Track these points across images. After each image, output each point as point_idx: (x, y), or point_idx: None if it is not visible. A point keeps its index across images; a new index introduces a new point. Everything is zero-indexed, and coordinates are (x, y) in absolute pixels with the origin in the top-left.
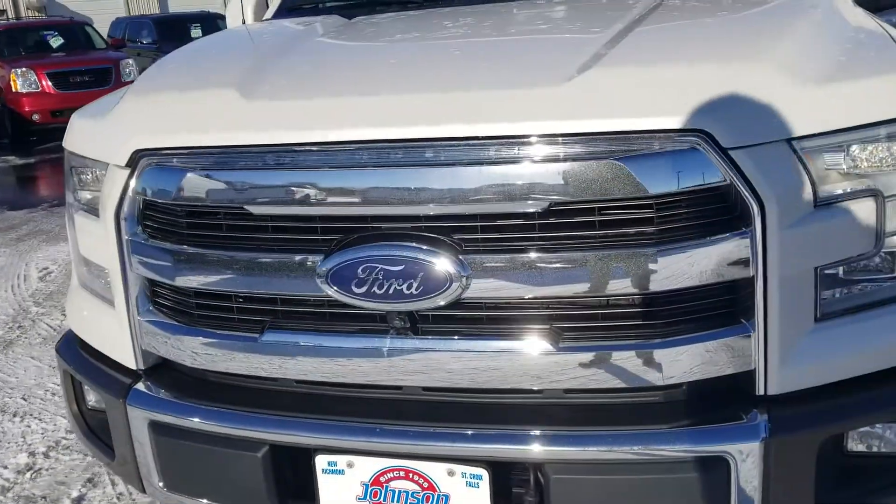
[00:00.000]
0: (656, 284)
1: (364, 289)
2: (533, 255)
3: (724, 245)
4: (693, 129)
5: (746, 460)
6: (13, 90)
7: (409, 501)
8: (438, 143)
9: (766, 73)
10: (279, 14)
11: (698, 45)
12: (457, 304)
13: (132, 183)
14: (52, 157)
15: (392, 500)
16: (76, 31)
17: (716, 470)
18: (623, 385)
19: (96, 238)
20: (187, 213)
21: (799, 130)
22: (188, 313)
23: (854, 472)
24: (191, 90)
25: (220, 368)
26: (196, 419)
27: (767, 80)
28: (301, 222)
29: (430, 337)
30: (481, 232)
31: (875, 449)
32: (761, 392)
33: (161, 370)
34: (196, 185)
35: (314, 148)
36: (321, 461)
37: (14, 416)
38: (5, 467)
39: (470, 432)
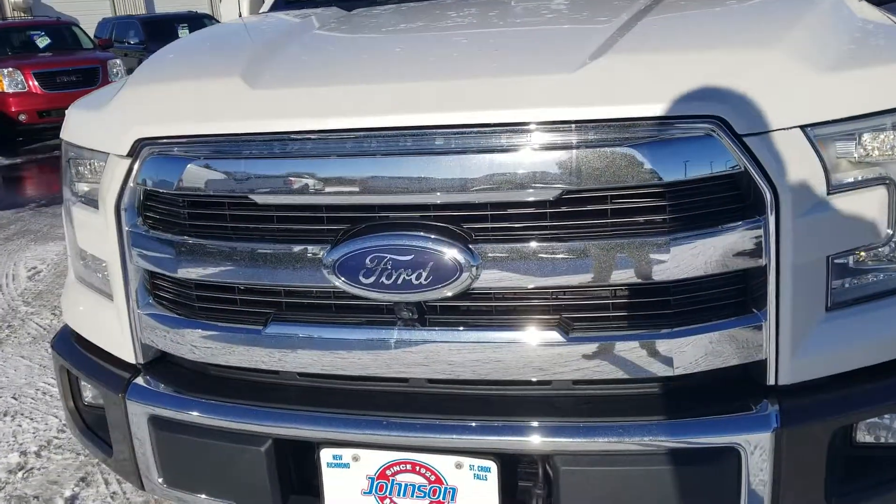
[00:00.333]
0: (668, 274)
1: (372, 279)
2: (544, 244)
3: (736, 234)
4: (708, 116)
5: (757, 451)
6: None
7: (415, 495)
8: (448, 130)
9: (779, 60)
10: (276, 7)
11: (709, 32)
12: (466, 294)
13: (133, 173)
14: (40, 158)
15: (398, 494)
16: (63, 31)
17: (726, 461)
18: (633, 376)
19: (95, 230)
20: (189, 204)
21: (812, 117)
22: (189, 306)
23: (862, 463)
24: (193, 79)
25: (221, 362)
26: (197, 413)
27: (780, 67)
28: (307, 212)
29: (438, 328)
30: (491, 221)
31: (883, 440)
32: (772, 382)
33: (160, 364)
34: (199, 174)
35: (321, 136)
36: (326, 455)
37: (5, 415)
38: None
39: (477, 424)
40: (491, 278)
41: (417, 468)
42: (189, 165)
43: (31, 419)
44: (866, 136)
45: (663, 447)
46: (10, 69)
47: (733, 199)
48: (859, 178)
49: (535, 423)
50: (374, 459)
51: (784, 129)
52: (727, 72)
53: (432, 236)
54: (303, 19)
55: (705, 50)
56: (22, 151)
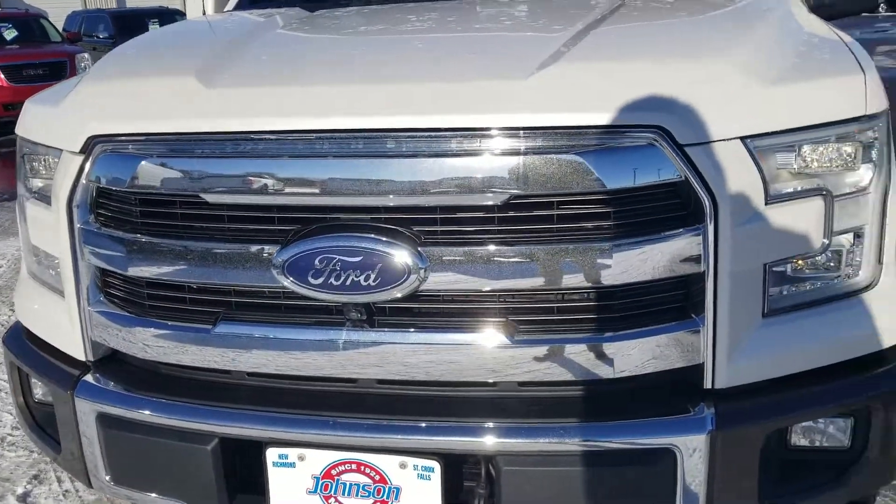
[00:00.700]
0: (611, 278)
1: (321, 280)
2: (491, 247)
3: (677, 241)
4: (650, 126)
5: (692, 453)
6: None
7: (360, 494)
8: (399, 133)
9: (723, 72)
10: (240, 6)
11: (658, 44)
12: (414, 296)
13: (86, 170)
14: (4, 152)
15: (343, 493)
16: (31, 23)
17: (662, 462)
18: (576, 378)
19: (48, 227)
20: (141, 202)
21: (753, 129)
22: (140, 304)
23: (797, 466)
24: (148, 77)
25: (171, 360)
26: (145, 411)
27: (724, 79)
28: (258, 212)
29: (386, 329)
30: (441, 224)
31: (818, 444)
32: (709, 386)
33: (111, 362)
34: (151, 172)
35: (273, 136)
36: (272, 454)
37: None
38: None
39: (422, 425)
40: (439, 281)
41: (362, 468)
42: (141, 163)
43: None
44: (806, 149)
45: (602, 448)
46: None
47: (675, 207)
48: (797, 189)
49: (477, 424)
50: (320, 459)
51: (724, 140)
52: (671, 83)
53: (381, 238)
54: (264, 19)
55: (651, 61)
56: None
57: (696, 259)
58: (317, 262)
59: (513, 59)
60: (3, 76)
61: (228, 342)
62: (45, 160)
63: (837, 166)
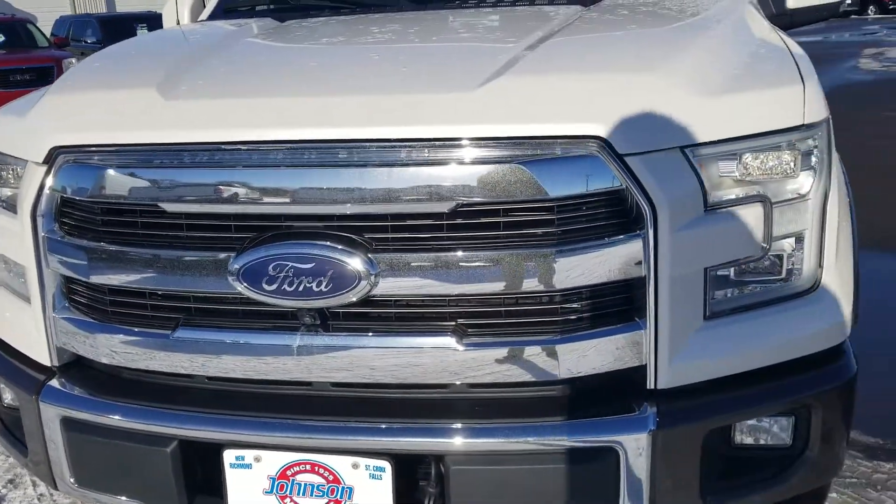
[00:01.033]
0: (556, 283)
1: (274, 286)
2: (440, 254)
3: (619, 246)
4: (591, 136)
5: (635, 451)
6: None
7: (314, 494)
8: (350, 144)
9: (662, 83)
10: (214, 15)
11: (605, 56)
12: (365, 301)
13: (49, 180)
14: None
15: (298, 493)
16: (18, 28)
17: (606, 460)
18: (524, 379)
19: (14, 235)
20: (103, 211)
21: (692, 139)
22: (102, 310)
23: (742, 463)
24: (111, 88)
25: (133, 365)
26: (108, 415)
27: (664, 90)
28: (214, 220)
29: (339, 334)
30: (391, 231)
31: (762, 442)
32: (652, 386)
33: (76, 367)
34: (112, 182)
35: (228, 147)
36: (229, 456)
37: None
38: None
39: (372, 426)
40: (390, 286)
41: (316, 468)
42: (103, 173)
43: None
44: (746, 157)
45: (548, 447)
46: None
47: (616, 214)
48: (737, 196)
49: (426, 425)
50: (275, 460)
51: (663, 149)
52: (613, 95)
53: (333, 245)
54: (235, 28)
55: (595, 73)
56: None
57: (637, 264)
58: (270, 268)
59: (462, 71)
60: None
61: (187, 347)
62: (13, 170)
63: (777, 174)
